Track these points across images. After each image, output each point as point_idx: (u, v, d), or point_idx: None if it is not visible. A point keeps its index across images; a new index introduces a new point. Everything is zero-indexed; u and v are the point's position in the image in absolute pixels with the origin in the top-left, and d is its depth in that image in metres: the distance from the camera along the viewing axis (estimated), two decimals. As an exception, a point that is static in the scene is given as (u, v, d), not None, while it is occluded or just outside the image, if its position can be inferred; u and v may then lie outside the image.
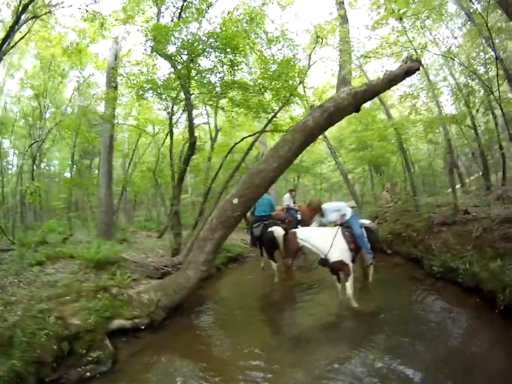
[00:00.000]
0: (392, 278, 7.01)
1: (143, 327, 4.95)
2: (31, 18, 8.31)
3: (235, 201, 5.58)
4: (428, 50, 7.61)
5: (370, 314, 5.17)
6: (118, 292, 5.24)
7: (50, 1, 8.65)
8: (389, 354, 3.87)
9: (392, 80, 5.93)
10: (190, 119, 7.54)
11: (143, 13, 8.29)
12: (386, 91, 13.15)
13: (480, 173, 10.68)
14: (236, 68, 7.14)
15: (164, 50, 6.53)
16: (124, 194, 14.08)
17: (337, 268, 5.44)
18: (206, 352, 4.44)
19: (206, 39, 6.33)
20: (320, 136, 14.29)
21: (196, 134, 8.18)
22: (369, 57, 7.30)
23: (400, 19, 6.84)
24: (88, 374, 3.88)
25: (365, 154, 13.77)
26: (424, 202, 9.22)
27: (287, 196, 10.57)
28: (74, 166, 13.50)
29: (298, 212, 10.18)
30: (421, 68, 6.44)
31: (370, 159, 13.86)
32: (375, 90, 6.01)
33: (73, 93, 13.34)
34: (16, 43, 9.30)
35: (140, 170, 13.05)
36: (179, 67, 6.85)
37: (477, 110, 9.26)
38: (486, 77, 8.83)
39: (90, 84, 12.13)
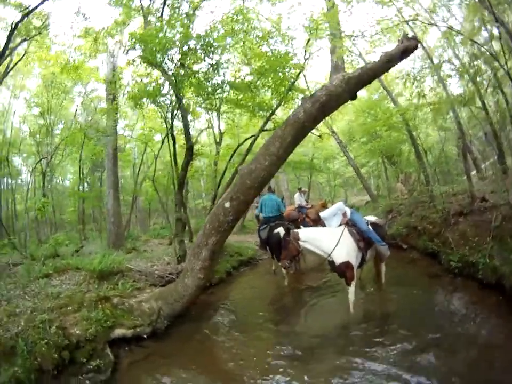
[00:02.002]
0: (407, 275, 6.73)
1: (145, 336, 4.89)
2: (23, 40, 8.47)
3: (227, 204, 5.34)
4: (419, 20, 7.15)
5: (383, 318, 4.93)
6: (119, 301, 5.22)
7: (44, 23, 8.82)
8: (402, 364, 3.63)
9: (389, 61, 5.49)
10: (185, 123, 7.42)
11: (128, 24, 8.29)
12: (393, 79, 12.95)
13: (496, 157, 10.13)
14: (220, 67, 6.96)
15: (152, 58, 6.42)
16: (136, 204, 14.22)
17: (342, 271, 5.09)
18: (210, 362, 4.34)
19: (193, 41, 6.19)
20: (329, 131, 14.08)
21: (201, 138, 8.07)
22: (356, 36, 6.75)
23: None
24: (88, 382, 3.94)
25: (374, 145, 13.34)
26: (440, 192, 8.76)
27: (297, 194, 10.43)
28: (85, 179, 13.73)
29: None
30: (419, 46, 6.13)
31: (381, 150, 13.41)
32: (371, 73, 5.57)
33: (76, 109, 13.67)
34: (15, 65, 9.62)
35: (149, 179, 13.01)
36: (169, 73, 6.73)
37: (486, 89, 8.76)
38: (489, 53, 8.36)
39: (92, 99, 12.32)
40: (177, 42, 6.23)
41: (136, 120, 13.50)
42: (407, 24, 8.54)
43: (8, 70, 9.92)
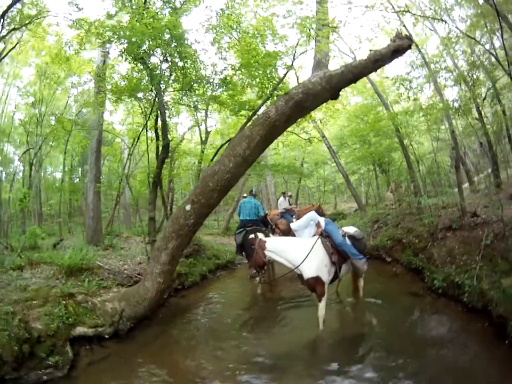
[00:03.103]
0: (387, 292, 6.34)
1: (106, 336, 4.83)
2: (12, 29, 8.38)
3: (188, 207, 5.12)
4: (409, 12, 6.73)
5: (356, 338, 4.61)
6: (83, 299, 5.12)
7: (37, 13, 8.69)
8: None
9: (378, 60, 5.19)
10: (163, 119, 7.22)
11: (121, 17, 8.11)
12: (389, 86, 12.64)
13: (490, 170, 9.80)
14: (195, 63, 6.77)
15: (136, 52, 6.20)
16: (123, 199, 14.04)
17: (311, 286, 4.80)
18: (171, 367, 4.21)
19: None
20: (319, 136, 13.77)
21: (188, 136, 7.90)
22: (338, 27, 6.09)
23: None
24: (45, 377, 3.94)
25: (361, 150, 13.01)
26: (429, 204, 8.39)
27: (281, 199, 10.26)
28: (74, 172, 13.68)
29: (294, 216, 9.81)
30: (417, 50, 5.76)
31: (369, 157, 13.03)
32: (356, 72, 5.25)
33: (67, 100, 13.57)
34: (7, 53, 9.56)
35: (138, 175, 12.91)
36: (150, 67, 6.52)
37: (483, 99, 8.45)
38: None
39: (84, 91, 12.23)
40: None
41: (127, 115, 13.45)
42: (404, 27, 8.30)
43: (0, 58, 9.85)
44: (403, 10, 6.55)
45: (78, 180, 16.98)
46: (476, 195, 9.86)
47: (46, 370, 3.97)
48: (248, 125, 7.10)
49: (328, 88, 5.23)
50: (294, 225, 5.49)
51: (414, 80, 8.66)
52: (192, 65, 6.78)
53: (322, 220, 5.27)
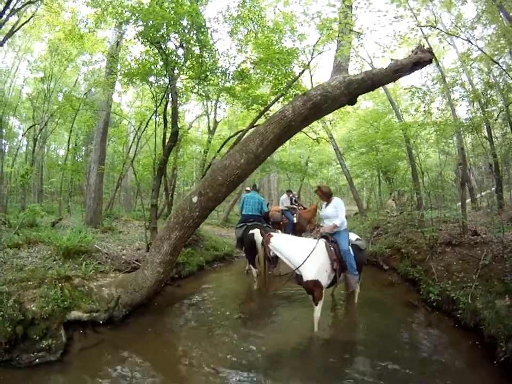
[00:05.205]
0: (382, 301, 6.32)
1: (101, 322, 4.82)
2: (27, 3, 8.24)
3: (194, 199, 5.04)
4: (436, 28, 6.60)
5: (346, 345, 4.59)
6: (80, 282, 5.09)
7: None
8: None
9: (398, 70, 5.21)
10: (174, 106, 7.12)
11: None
12: (401, 94, 12.56)
13: (493, 189, 9.78)
14: (213, 51, 6.70)
15: (153, 35, 6.10)
16: (125, 182, 13.98)
17: (309, 289, 4.77)
18: (162, 357, 4.20)
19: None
20: (327, 136, 13.69)
21: (195, 124, 7.80)
22: (364, 34, 5.90)
23: None
24: (37, 360, 3.91)
25: (368, 156, 12.95)
26: (431, 217, 8.36)
27: (284, 196, 10.21)
28: (78, 150, 13.60)
29: (295, 215, 9.81)
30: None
31: (376, 164, 13.02)
32: (375, 79, 5.24)
33: (77, 78, 13.43)
34: (20, 26, 9.40)
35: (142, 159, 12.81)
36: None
37: (495, 120, 8.40)
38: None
39: (94, 70, 12.10)
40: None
41: (136, 97, 13.36)
42: (425, 39, 8.19)
43: (13, 31, 9.69)
44: (431, 26, 6.43)
45: (81, 159, 16.91)
46: (478, 213, 9.86)
47: (39, 354, 3.96)
48: (262, 121, 7.09)
49: (347, 93, 5.20)
50: (324, 212, 5.25)
51: (428, 92, 8.56)
52: (209, 55, 6.67)
53: (343, 225, 5.10)
